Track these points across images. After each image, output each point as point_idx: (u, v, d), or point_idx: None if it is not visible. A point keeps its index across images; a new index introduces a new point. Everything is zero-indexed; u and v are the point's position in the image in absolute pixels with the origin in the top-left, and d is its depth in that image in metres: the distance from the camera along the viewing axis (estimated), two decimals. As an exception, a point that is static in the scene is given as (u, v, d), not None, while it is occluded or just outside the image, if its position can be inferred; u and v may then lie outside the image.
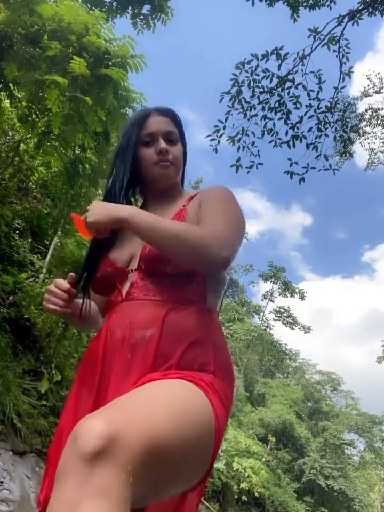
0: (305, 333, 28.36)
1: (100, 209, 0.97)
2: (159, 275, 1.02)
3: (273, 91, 6.52)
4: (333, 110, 6.68)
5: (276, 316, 28.08)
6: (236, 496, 15.61)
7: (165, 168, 1.12)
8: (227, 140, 6.55)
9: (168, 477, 0.72)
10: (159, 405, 0.74)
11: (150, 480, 0.66)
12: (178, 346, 0.93)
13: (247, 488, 14.99)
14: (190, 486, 0.84)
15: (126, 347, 0.94)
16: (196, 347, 0.95)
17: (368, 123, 10.23)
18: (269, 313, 28.28)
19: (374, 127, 10.36)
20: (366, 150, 10.99)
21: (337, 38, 6.56)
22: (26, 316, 6.51)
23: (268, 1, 6.46)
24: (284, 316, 27.96)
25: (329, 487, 22.31)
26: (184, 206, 1.12)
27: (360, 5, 6.46)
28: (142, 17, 5.53)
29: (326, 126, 6.57)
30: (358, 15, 6.48)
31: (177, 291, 1.01)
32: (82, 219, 1.02)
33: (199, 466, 0.82)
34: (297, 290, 26.60)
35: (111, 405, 0.72)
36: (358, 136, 9.56)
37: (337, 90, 6.72)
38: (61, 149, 5.59)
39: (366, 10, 6.43)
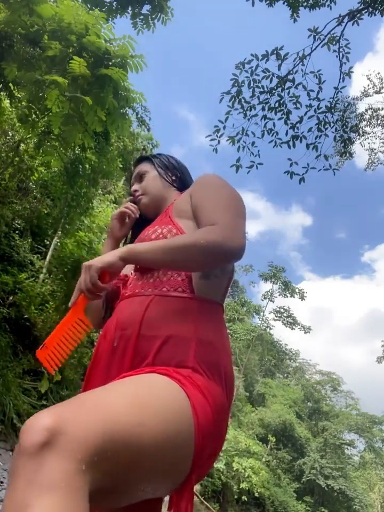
0: (305, 333, 28.33)
1: (100, 258, 0.95)
2: (147, 269, 1.03)
3: (273, 91, 6.51)
4: (333, 110, 6.67)
5: (276, 316, 28.06)
6: (235, 496, 15.61)
7: (139, 203, 1.29)
8: (227, 140, 6.55)
9: (139, 470, 0.69)
10: (117, 393, 0.72)
11: (115, 470, 0.64)
12: (155, 342, 0.90)
13: (247, 488, 14.98)
14: (172, 485, 0.80)
15: (110, 349, 0.95)
16: (173, 343, 0.90)
17: (368, 123, 10.22)
18: (269, 313, 28.28)
19: (374, 127, 10.35)
20: (366, 150, 10.99)
21: (337, 38, 6.55)
22: (26, 316, 6.51)
23: (268, 1, 6.45)
24: (284, 316, 27.94)
25: (329, 487, 22.31)
26: (172, 202, 1.19)
27: (360, 5, 6.45)
28: (142, 17, 5.52)
29: (326, 126, 6.57)
30: (358, 15, 6.47)
31: (160, 283, 1.00)
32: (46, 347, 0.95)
33: (177, 462, 0.77)
34: (297, 290, 26.57)
35: (66, 401, 0.70)
36: (358, 136, 9.55)
37: (337, 90, 6.71)
38: (61, 149, 5.58)
39: (366, 10, 6.43)
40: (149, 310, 0.95)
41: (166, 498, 0.87)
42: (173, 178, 1.31)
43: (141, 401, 0.72)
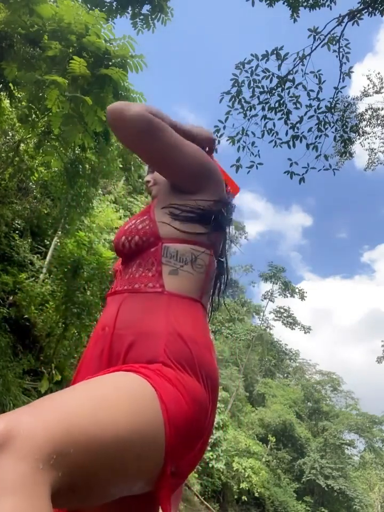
0: (305, 333, 28.38)
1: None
2: (126, 262, 1.07)
3: (273, 91, 6.51)
4: (333, 110, 6.68)
5: (276, 316, 28.10)
6: (235, 496, 15.62)
7: (151, 193, 1.28)
8: (227, 140, 6.56)
9: (107, 463, 0.69)
10: (76, 393, 0.73)
11: (79, 467, 0.64)
12: (126, 341, 0.91)
13: (247, 488, 15.00)
14: (148, 480, 0.78)
15: (93, 350, 0.98)
16: (144, 339, 0.90)
17: (368, 123, 10.22)
18: (269, 313, 28.33)
19: (374, 127, 10.36)
20: (366, 150, 10.99)
21: (337, 38, 6.56)
22: (26, 316, 6.51)
23: (268, 1, 6.46)
24: (284, 316, 27.97)
25: (329, 487, 22.32)
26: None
27: (360, 5, 6.46)
28: (142, 17, 5.53)
29: (326, 126, 6.57)
30: (358, 15, 6.48)
31: (133, 279, 1.02)
32: None
33: (148, 453, 0.76)
34: (297, 290, 26.60)
35: (27, 404, 0.70)
36: (358, 136, 9.55)
37: (337, 90, 6.72)
38: (61, 149, 5.58)
39: (366, 10, 6.43)
40: (122, 308, 0.97)
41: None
42: None
43: (99, 397, 0.73)
